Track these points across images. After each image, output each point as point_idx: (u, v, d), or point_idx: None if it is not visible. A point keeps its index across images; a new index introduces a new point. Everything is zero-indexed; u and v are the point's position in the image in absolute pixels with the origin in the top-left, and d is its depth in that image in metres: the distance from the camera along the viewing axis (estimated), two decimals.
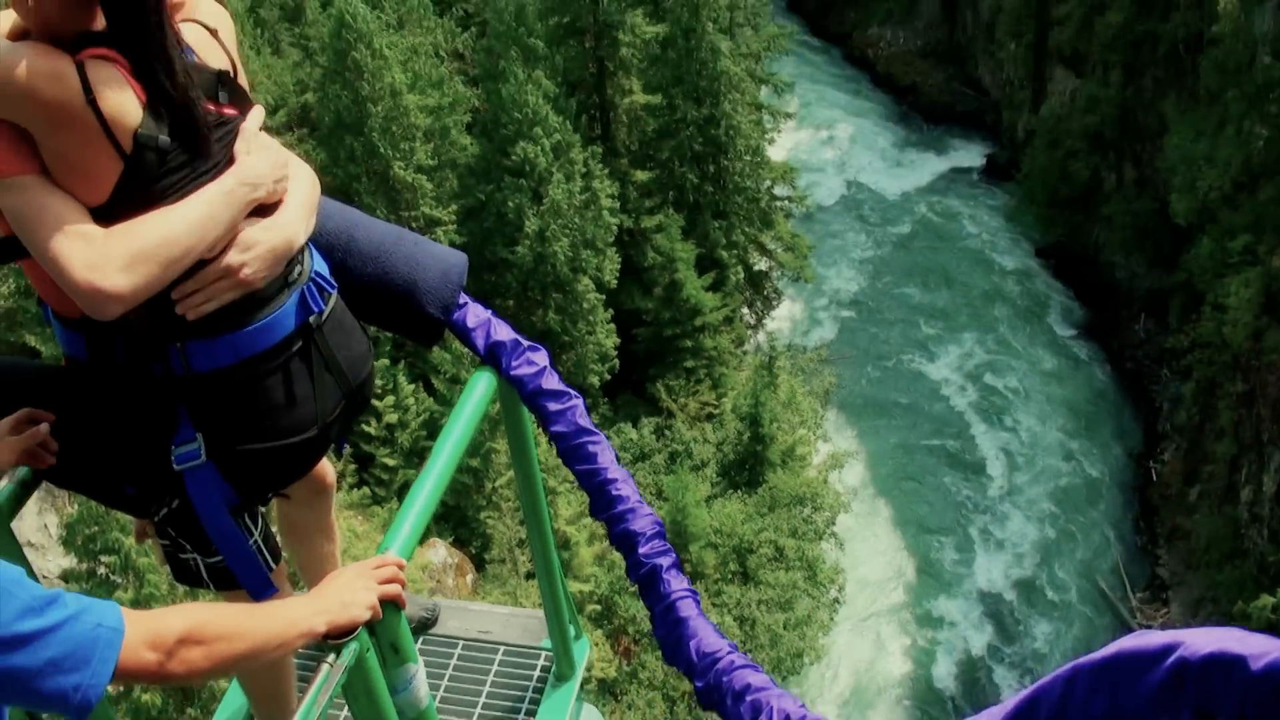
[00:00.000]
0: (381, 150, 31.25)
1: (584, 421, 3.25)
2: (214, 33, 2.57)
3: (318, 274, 2.78)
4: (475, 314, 3.27)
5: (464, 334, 3.25)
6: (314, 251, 2.84)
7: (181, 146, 2.42)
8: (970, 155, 52.91)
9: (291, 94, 35.78)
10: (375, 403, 27.44)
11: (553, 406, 3.23)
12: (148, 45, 2.34)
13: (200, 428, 2.64)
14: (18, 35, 2.40)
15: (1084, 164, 44.10)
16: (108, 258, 2.34)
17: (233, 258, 2.51)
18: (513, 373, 3.22)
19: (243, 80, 2.62)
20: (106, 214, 2.39)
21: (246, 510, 2.84)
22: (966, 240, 47.69)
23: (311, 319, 2.72)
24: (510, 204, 31.86)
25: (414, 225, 31.30)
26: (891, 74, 58.43)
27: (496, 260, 32.66)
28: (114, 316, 2.40)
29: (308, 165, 2.86)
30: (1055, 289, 44.82)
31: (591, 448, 3.23)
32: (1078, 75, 45.84)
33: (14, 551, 2.86)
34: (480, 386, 3.19)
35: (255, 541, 2.86)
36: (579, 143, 33.24)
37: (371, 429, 27.77)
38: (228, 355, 2.60)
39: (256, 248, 2.53)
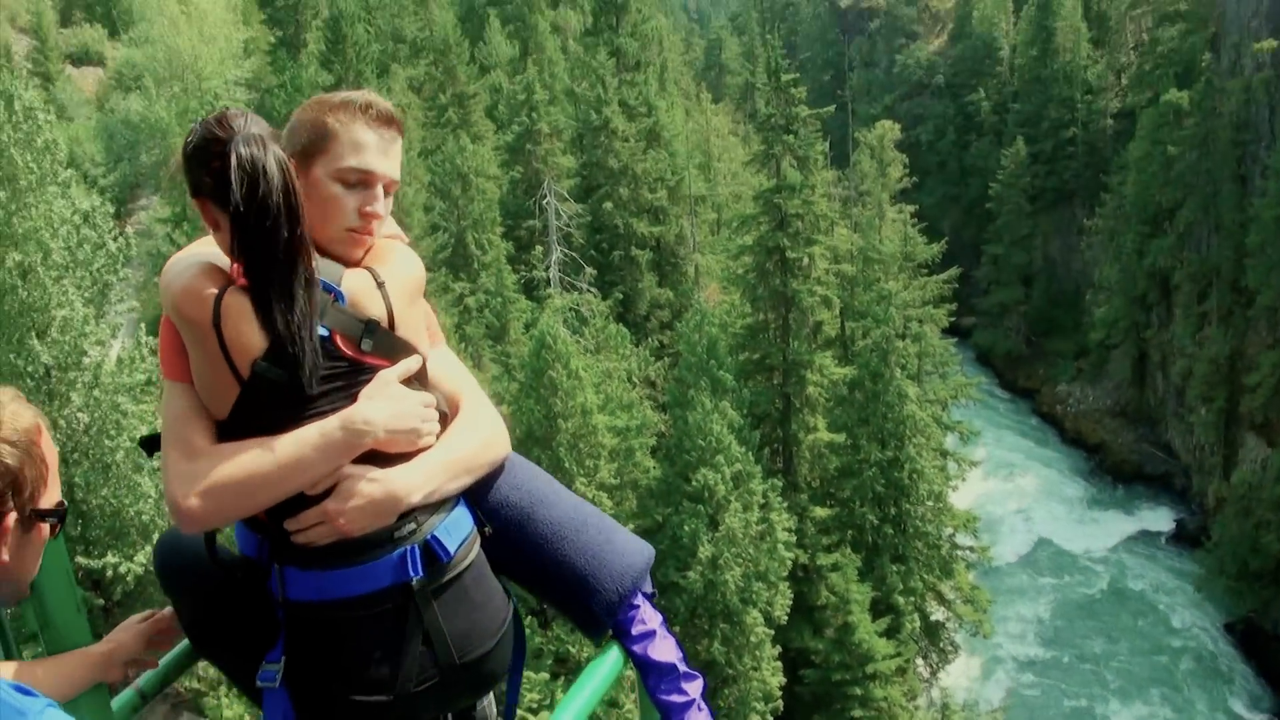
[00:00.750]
0: (567, 465, 31.92)
1: None
2: (381, 284, 2.62)
3: (435, 539, 2.66)
4: (643, 621, 3.09)
5: (623, 637, 3.07)
6: (464, 510, 2.78)
7: (293, 383, 2.48)
8: (1158, 518, 51.48)
9: None
10: (529, 717, 26.96)
11: None
12: (270, 284, 2.43)
13: (287, 652, 2.64)
14: None
15: (1276, 536, 42.28)
16: (194, 478, 2.46)
17: (331, 503, 2.52)
18: (659, 697, 3.03)
19: (405, 333, 2.64)
20: (226, 431, 2.53)
21: None
22: (1152, 606, 45.87)
23: (415, 583, 2.61)
24: (686, 528, 31.92)
25: None
26: (1080, 431, 58.08)
27: (667, 584, 32.48)
28: (191, 533, 2.54)
29: (496, 427, 2.87)
30: (1242, 667, 42.42)
31: None
32: (1269, 444, 44.61)
33: None
34: (609, 661, 3.03)
35: None
36: (759, 474, 33.42)
37: None
38: (311, 591, 2.59)
39: (355, 498, 2.52)
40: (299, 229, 2.44)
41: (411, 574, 2.60)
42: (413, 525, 2.62)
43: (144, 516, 25.04)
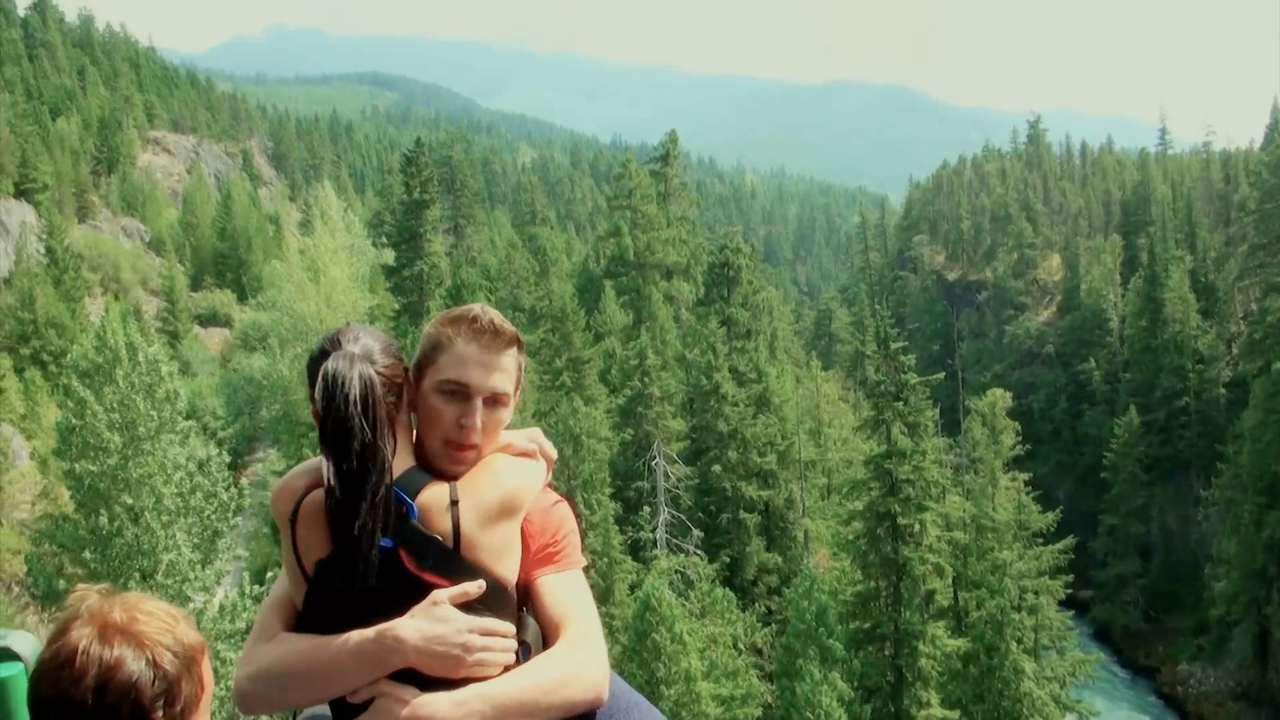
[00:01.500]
0: None
1: None
2: (454, 503, 2.60)
3: None
4: None
5: None
6: None
7: (346, 591, 2.52)
8: None
9: None
10: None
11: None
12: (341, 492, 2.49)
13: None
14: None
15: None
16: (252, 661, 2.57)
17: (364, 718, 2.50)
18: None
19: (475, 555, 2.59)
20: (300, 623, 2.61)
21: None
22: None
23: None
24: None
25: None
26: (1202, 714, 55.46)
27: None
28: (247, 715, 2.60)
29: (584, 668, 2.63)
30: None
31: None
32: None
33: None
34: None
35: None
36: None
37: None
38: None
39: (381, 717, 2.48)
40: (374, 442, 2.50)
41: None
42: None
43: None
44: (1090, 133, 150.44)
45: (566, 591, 2.76)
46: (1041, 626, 41.55)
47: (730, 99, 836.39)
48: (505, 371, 2.75)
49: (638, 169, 73.07)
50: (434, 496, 2.60)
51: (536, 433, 2.91)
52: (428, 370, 2.71)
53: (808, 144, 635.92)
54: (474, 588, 2.55)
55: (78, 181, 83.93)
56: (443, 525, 2.57)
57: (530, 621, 2.70)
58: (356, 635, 2.48)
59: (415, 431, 2.76)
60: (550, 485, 2.87)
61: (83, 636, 2.04)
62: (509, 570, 2.65)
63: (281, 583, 2.72)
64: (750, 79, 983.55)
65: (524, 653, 2.63)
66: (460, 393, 2.67)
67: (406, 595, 2.52)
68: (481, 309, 2.77)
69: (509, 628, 2.60)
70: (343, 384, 2.48)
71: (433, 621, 2.49)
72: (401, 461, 2.62)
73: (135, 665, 2.03)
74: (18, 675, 2.70)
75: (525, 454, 2.83)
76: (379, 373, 2.58)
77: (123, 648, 2.03)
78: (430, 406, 2.67)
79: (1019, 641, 36.02)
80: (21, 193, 71.81)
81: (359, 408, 2.48)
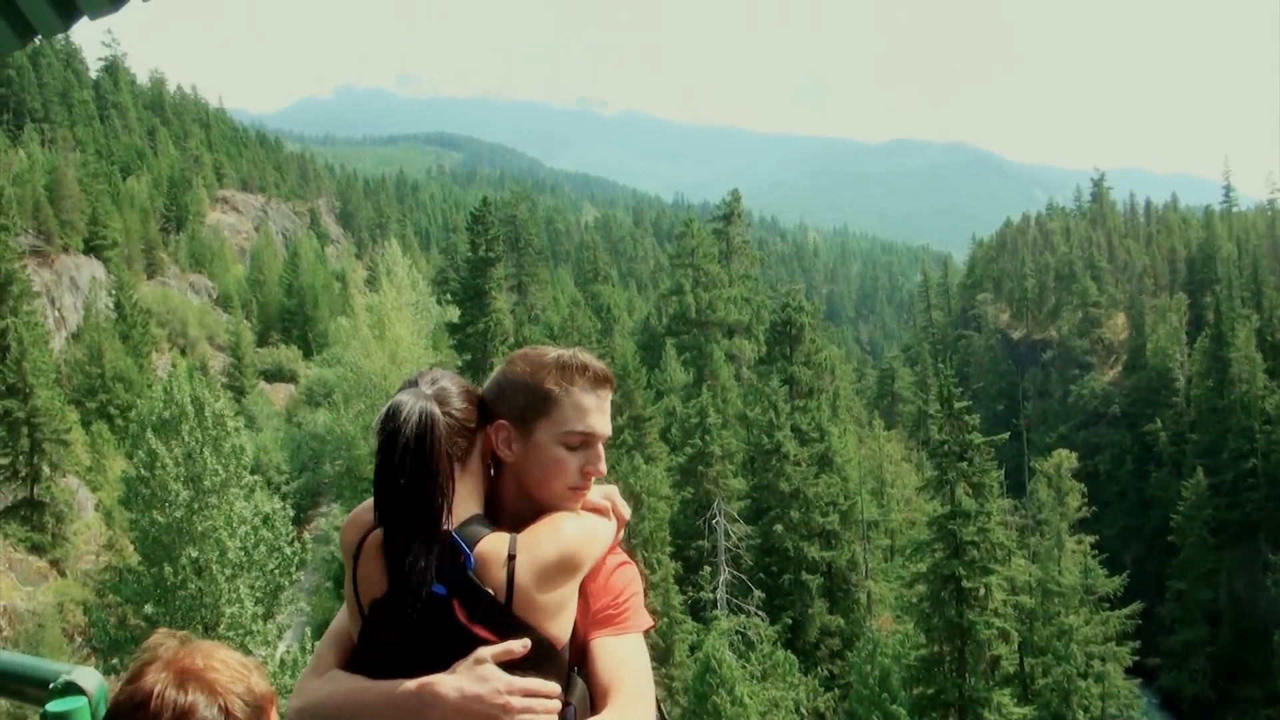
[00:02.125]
0: None
1: None
2: (511, 558, 2.54)
3: None
4: None
5: None
6: None
7: (395, 633, 2.52)
8: None
9: None
10: None
11: None
12: (392, 531, 2.51)
13: None
14: None
15: None
16: (302, 692, 2.58)
17: None
18: None
19: (526, 613, 2.52)
20: (354, 657, 2.60)
21: None
22: None
23: None
24: None
25: None
26: None
27: None
28: None
29: None
30: None
31: None
32: None
33: None
34: None
35: None
36: None
37: None
38: None
39: None
40: (427, 482, 2.50)
41: None
42: None
43: None
44: (1156, 191, 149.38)
45: (621, 656, 2.69)
46: (1108, 694, 40.56)
47: (793, 159, 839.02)
48: (609, 416, 2.79)
49: (700, 228, 73.44)
50: (492, 548, 2.55)
51: (612, 490, 2.89)
52: (539, 422, 2.68)
53: (870, 203, 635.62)
54: (519, 646, 2.50)
55: (147, 238, 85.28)
56: (497, 579, 2.52)
57: (579, 683, 2.63)
58: (399, 685, 2.46)
59: (485, 480, 2.72)
60: (618, 545, 2.84)
61: (158, 680, 2.07)
62: (561, 630, 2.59)
63: (342, 615, 2.71)
64: (813, 138, 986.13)
65: (571, 715, 2.57)
66: (586, 442, 2.70)
67: (457, 645, 2.48)
68: (580, 356, 2.76)
69: (553, 688, 2.52)
70: (401, 420, 2.50)
71: (473, 680, 2.45)
72: (466, 509, 2.60)
73: (208, 711, 2.05)
74: (81, 709, 2.77)
75: (597, 510, 2.80)
76: (451, 415, 2.59)
77: (196, 694, 2.06)
78: (554, 458, 2.66)
79: (1086, 710, 35.36)
80: (91, 249, 72.99)
81: (413, 443, 2.49)
